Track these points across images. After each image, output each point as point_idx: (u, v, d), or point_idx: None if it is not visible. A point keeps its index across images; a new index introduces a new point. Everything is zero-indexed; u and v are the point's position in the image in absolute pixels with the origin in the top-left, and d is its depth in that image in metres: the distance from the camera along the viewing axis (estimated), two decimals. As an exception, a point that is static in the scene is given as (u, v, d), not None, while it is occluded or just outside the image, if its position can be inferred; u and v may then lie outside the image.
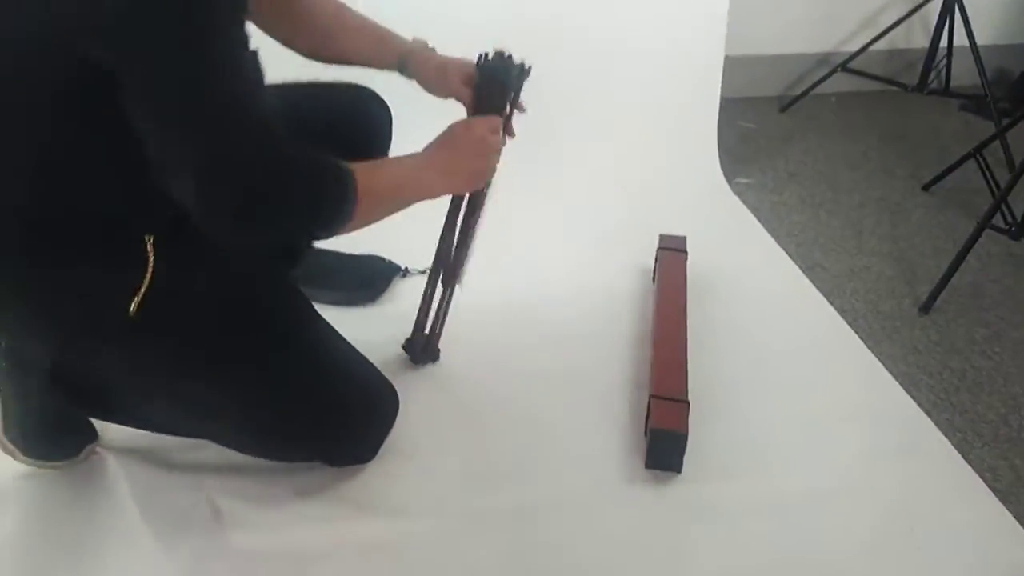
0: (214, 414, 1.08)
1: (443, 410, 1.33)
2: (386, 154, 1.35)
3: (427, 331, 1.38)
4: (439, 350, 1.40)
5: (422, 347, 1.38)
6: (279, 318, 1.11)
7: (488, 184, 1.23)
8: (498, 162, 1.19)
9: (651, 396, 1.25)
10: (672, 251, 1.61)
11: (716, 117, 2.10)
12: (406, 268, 1.64)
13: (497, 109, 1.20)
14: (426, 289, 1.36)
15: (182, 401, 1.07)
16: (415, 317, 1.38)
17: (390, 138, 1.36)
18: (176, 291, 0.99)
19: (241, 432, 1.12)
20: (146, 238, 0.96)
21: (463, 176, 1.16)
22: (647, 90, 2.05)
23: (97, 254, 0.96)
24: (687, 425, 1.21)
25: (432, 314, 1.37)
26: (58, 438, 1.17)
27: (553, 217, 1.79)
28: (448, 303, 1.37)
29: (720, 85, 2.11)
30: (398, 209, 1.07)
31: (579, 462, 1.25)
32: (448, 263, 1.33)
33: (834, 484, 1.21)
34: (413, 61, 1.23)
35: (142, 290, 0.95)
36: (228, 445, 1.15)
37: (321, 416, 1.11)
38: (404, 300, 1.58)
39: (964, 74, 2.49)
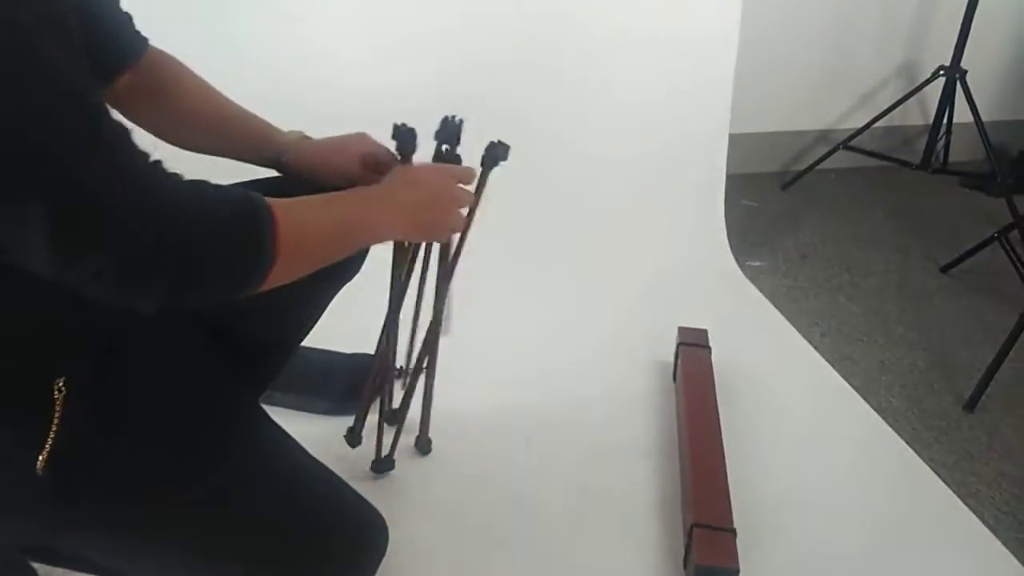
0: (170, 569, 0.90)
1: (441, 538, 1.16)
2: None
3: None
4: (430, 441, 1.29)
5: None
6: (234, 453, 0.91)
7: (456, 247, 1.09)
8: (462, 224, 1.03)
9: (693, 525, 1.09)
10: (694, 347, 1.47)
11: (723, 198, 2.01)
12: (401, 367, 1.48)
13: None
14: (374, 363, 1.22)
15: (130, 559, 0.89)
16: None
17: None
18: (100, 439, 0.80)
19: None
20: (55, 382, 0.77)
21: (423, 221, 0.97)
22: (649, 172, 1.95)
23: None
24: (737, 559, 1.05)
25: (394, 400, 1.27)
26: (-5, 593, 0.97)
27: (557, 309, 1.66)
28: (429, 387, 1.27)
29: (725, 167, 2.02)
30: (338, 254, 0.89)
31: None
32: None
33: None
34: (292, 151, 1.06)
35: (48, 444, 0.76)
36: None
37: (295, 561, 0.92)
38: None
39: (961, 150, 2.45)
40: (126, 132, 0.67)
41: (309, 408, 1.36)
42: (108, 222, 0.64)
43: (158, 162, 0.69)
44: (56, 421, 0.77)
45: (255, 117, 1.09)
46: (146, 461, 0.84)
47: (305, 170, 1.07)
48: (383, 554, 1.02)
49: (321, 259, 0.85)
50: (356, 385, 1.41)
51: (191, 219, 0.69)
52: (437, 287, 1.19)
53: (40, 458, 0.77)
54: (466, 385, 1.36)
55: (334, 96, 1.66)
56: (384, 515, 1.03)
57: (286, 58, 1.71)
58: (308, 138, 1.09)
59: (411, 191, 0.95)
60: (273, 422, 1.00)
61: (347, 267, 1.13)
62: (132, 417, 0.84)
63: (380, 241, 0.93)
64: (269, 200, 0.75)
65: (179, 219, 0.68)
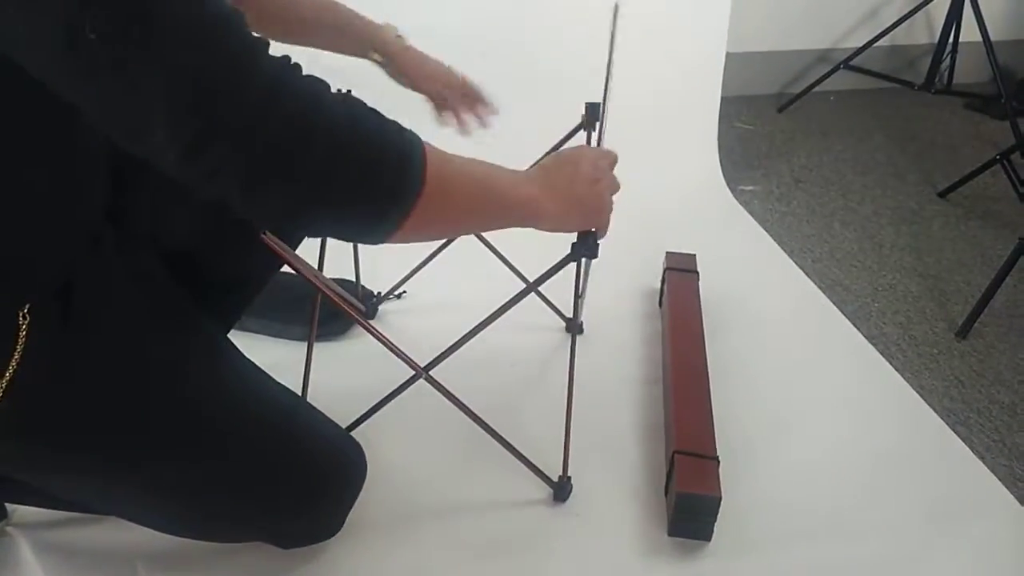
0: (137, 503, 0.87)
1: (421, 466, 1.13)
2: None
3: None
4: None
5: None
6: (203, 386, 0.87)
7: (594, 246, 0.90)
8: (610, 214, 0.90)
9: (675, 452, 1.06)
10: (682, 272, 1.42)
11: (716, 120, 1.93)
12: (379, 293, 1.44)
13: None
14: None
15: (95, 495, 0.86)
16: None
17: None
18: (62, 370, 0.76)
19: (170, 519, 0.90)
20: (20, 309, 0.72)
21: (575, 203, 0.84)
22: (640, 90, 1.86)
23: None
24: (719, 487, 1.02)
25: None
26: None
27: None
28: None
29: (721, 85, 1.94)
30: (479, 219, 0.80)
31: (586, 531, 1.05)
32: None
33: (890, 552, 1.03)
34: (390, 48, 1.09)
35: (9, 372, 0.72)
36: (155, 528, 0.93)
37: (267, 494, 0.89)
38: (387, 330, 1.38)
39: (967, 71, 2.36)
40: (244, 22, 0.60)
41: (283, 334, 1.31)
42: (239, 108, 0.58)
43: (295, 63, 0.62)
44: (19, 349, 0.73)
45: (343, 6, 1.07)
46: (109, 395, 0.80)
47: (404, 68, 1.10)
48: (361, 482, 1.00)
49: (463, 216, 0.77)
50: (332, 310, 1.37)
51: (333, 122, 0.62)
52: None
53: (0, 386, 0.72)
54: (448, 310, 1.32)
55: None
56: (361, 443, 1.00)
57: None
58: (401, 36, 1.11)
59: (563, 168, 0.85)
60: (242, 355, 0.95)
61: None
62: (95, 349, 0.80)
63: (525, 219, 0.81)
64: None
65: (319, 120, 0.61)
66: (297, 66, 0.62)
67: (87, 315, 0.77)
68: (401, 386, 1.00)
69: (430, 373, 0.99)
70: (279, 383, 0.95)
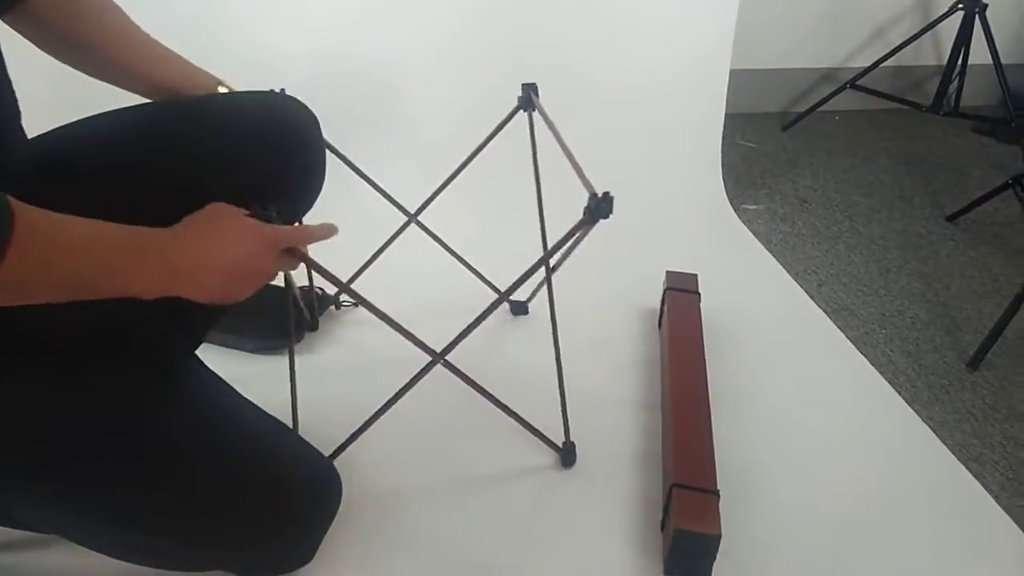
0: (89, 527, 0.80)
1: (401, 491, 1.07)
2: (321, 166, 1.06)
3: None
4: None
5: None
6: (164, 401, 0.81)
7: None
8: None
9: (672, 485, 0.99)
10: (683, 292, 1.36)
11: (720, 137, 1.88)
12: (337, 299, 1.38)
13: None
14: None
15: (47, 518, 0.80)
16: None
17: (322, 149, 1.09)
18: (18, 389, 0.71)
19: (123, 545, 0.84)
20: None
21: (204, 289, 0.77)
22: (644, 108, 1.82)
23: None
24: (719, 523, 0.95)
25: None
26: None
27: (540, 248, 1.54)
28: None
29: (725, 102, 1.89)
30: (69, 288, 0.69)
31: (576, 569, 0.99)
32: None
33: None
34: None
35: None
36: (108, 554, 0.86)
37: (228, 520, 0.82)
38: (338, 342, 1.32)
39: (975, 93, 2.32)
40: None
41: (237, 346, 1.26)
42: None
43: None
44: None
45: (174, 61, 1.00)
46: (61, 414, 0.74)
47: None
48: (336, 507, 0.94)
49: (48, 290, 0.68)
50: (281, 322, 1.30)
51: None
52: None
53: None
54: (442, 324, 1.26)
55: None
56: (337, 465, 0.94)
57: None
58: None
59: (191, 255, 0.76)
60: (207, 368, 0.89)
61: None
62: (43, 359, 0.74)
63: (127, 291, 0.73)
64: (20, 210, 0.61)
65: None
66: None
67: (33, 323, 0.71)
68: (419, 373, 0.99)
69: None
70: (244, 398, 0.89)
